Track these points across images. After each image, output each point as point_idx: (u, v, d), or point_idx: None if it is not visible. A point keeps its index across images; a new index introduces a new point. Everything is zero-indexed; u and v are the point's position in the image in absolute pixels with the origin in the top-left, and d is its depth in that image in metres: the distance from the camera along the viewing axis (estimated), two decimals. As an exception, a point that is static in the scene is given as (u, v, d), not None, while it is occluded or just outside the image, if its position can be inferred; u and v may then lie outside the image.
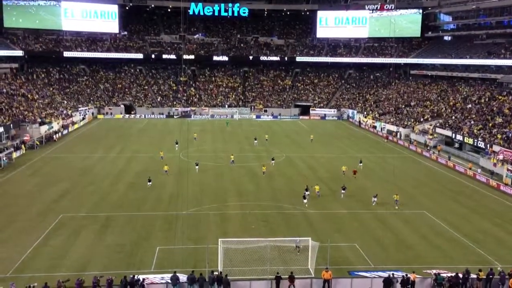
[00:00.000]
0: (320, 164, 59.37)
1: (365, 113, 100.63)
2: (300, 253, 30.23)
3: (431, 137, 73.45)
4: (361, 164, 57.27)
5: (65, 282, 25.24)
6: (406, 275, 26.67)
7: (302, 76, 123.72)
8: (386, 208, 41.40)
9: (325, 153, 66.49)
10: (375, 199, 42.36)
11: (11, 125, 68.65)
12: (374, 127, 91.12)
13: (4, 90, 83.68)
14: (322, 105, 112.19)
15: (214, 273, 26.42)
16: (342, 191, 44.50)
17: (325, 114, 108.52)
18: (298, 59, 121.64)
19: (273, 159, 58.44)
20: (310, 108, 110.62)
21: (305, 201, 41.47)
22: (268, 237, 31.07)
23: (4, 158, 55.93)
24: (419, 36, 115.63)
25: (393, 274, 26.88)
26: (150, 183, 46.74)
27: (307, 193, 42.34)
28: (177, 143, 66.11)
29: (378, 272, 28.03)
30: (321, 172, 55.18)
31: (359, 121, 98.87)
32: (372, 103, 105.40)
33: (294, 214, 39.15)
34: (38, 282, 25.03)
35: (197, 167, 53.07)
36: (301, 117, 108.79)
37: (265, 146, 70.16)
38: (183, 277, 26.39)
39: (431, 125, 78.27)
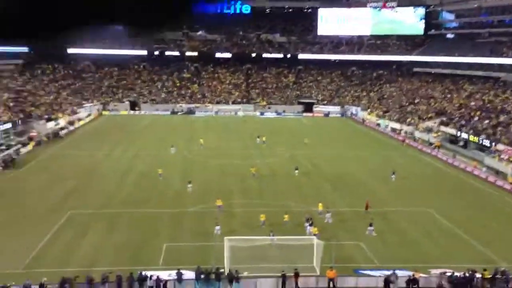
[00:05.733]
0: (325, 162, 59.68)
1: (368, 110, 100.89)
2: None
3: (435, 135, 73.70)
4: (394, 175, 51.23)
5: (75, 278, 25.78)
6: (413, 275, 27.13)
7: (305, 73, 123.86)
8: (390, 206, 41.74)
9: (329, 150, 66.83)
10: (328, 215, 37.32)
11: (19, 121, 69.23)
12: (378, 124, 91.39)
13: (11, 86, 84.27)
14: (325, 102, 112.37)
15: (220, 270, 27.11)
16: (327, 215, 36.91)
17: (328, 112, 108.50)
18: (301, 56, 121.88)
19: (296, 169, 52.71)
20: (314, 105, 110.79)
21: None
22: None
23: (13, 155, 56.41)
24: (422, 33, 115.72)
25: (393, 271, 27.35)
26: (190, 185, 45.34)
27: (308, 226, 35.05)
28: (172, 147, 63.65)
29: (383, 271, 28.40)
30: (324, 169, 55.59)
31: (363, 119, 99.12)
32: (376, 100, 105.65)
33: (299, 212, 39.42)
34: (48, 278, 25.52)
35: (189, 185, 45.71)
36: (304, 114, 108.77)
37: (267, 144, 69.91)
38: (189, 274, 26.95)
39: (435, 123, 78.52)
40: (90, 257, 30.45)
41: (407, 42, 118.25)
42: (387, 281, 26.66)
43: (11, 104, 75.38)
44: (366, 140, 77.74)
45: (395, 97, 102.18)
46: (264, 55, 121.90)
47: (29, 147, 63.32)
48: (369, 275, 28.46)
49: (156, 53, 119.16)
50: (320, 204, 39.37)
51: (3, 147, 58.78)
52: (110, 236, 34.06)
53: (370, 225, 35.31)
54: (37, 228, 35.06)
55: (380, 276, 27.80)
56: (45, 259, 30.03)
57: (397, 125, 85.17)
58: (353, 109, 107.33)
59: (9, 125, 64.90)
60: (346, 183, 49.83)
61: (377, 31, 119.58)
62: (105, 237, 33.78)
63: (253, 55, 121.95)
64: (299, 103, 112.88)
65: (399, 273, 27.53)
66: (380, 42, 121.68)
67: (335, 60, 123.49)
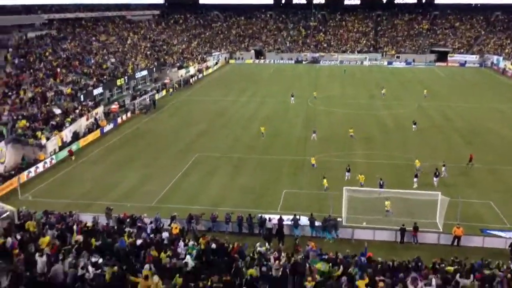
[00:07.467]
0: (458, 114, 55.72)
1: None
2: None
3: None
4: None
5: (201, 215, 27.67)
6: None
7: (441, 19, 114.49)
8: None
9: (463, 103, 62.02)
10: (444, 169, 35.29)
11: (154, 69, 74.41)
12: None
13: (148, 36, 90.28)
14: (462, 50, 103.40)
15: (333, 218, 27.08)
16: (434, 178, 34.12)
17: (465, 61, 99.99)
18: (437, 0, 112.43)
19: (415, 123, 48.65)
20: (448, 54, 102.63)
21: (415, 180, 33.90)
22: (394, 189, 30.45)
23: (151, 99, 61.02)
24: None
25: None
26: (315, 134, 44.86)
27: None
28: (292, 96, 63.28)
29: (515, 233, 26.29)
30: (457, 123, 51.98)
31: (504, 69, 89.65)
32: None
33: (424, 166, 37.42)
34: (178, 212, 27.64)
35: (314, 134, 45.19)
36: (437, 63, 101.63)
37: (386, 96, 66.39)
38: (304, 220, 27.37)
39: None
40: (215, 197, 32.32)
41: None
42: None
43: (148, 52, 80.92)
44: (508, 92, 70.53)
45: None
46: (396, 0, 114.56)
47: (163, 93, 67.91)
48: (497, 236, 26.44)
49: (283, 1, 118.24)
50: (417, 161, 36.73)
51: (140, 93, 63.85)
52: (235, 179, 35.74)
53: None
54: (169, 167, 38.00)
55: (510, 237, 25.68)
56: (174, 196, 32.58)
57: (546, 77, 75.73)
58: (494, 59, 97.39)
59: (145, 72, 70.10)
60: (481, 137, 46.17)
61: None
62: (229, 180, 35.54)
63: (384, 1, 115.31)
64: (432, 52, 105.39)
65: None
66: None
67: (477, 4, 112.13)
